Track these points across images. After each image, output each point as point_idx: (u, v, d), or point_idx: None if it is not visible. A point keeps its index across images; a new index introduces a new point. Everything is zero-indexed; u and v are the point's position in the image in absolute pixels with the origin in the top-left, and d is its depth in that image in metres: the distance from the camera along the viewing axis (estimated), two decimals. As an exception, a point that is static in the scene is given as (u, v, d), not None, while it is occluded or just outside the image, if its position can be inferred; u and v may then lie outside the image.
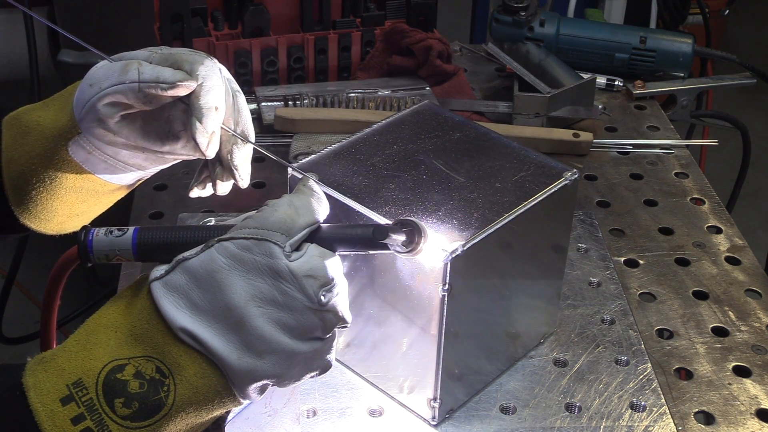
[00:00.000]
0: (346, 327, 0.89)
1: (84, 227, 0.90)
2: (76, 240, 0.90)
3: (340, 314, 0.87)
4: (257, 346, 0.84)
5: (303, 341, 0.86)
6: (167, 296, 0.84)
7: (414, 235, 0.91)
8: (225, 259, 0.84)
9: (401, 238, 0.90)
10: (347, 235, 0.90)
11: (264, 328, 0.84)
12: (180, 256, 0.86)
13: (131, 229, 0.90)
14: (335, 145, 1.17)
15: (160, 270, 0.86)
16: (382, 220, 1.03)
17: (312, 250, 0.87)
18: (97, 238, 0.89)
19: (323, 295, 0.85)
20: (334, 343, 0.89)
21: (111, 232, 0.90)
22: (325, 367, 0.89)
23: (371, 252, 0.92)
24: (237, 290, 0.84)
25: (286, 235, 0.86)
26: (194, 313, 0.83)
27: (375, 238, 0.88)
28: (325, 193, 0.93)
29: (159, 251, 0.89)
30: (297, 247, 0.87)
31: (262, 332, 0.84)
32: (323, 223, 0.90)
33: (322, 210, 0.90)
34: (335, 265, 0.87)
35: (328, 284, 0.85)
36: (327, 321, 0.86)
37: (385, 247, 0.90)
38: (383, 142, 1.18)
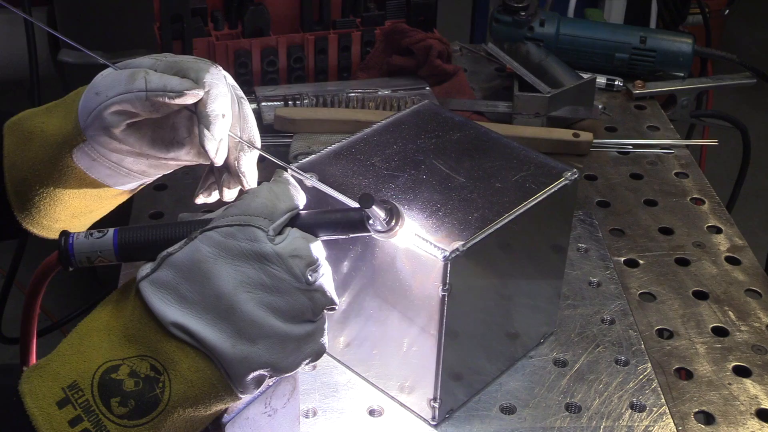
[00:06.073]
0: (334, 309, 0.89)
1: (63, 231, 0.90)
2: (57, 245, 0.90)
3: (328, 294, 0.88)
4: (250, 332, 0.84)
5: (295, 323, 0.86)
6: (156, 293, 0.84)
7: (393, 215, 0.92)
8: (210, 248, 0.85)
9: (382, 214, 0.91)
10: (327, 219, 0.91)
11: (255, 313, 0.84)
12: (164, 252, 0.86)
13: (111, 230, 0.90)
14: (335, 145, 1.18)
15: (146, 269, 0.86)
16: (355, 204, 1.04)
17: (294, 232, 0.88)
18: (77, 241, 0.89)
19: (310, 275, 0.86)
20: (326, 326, 0.90)
21: (91, 234, 0.89)
22: (319, 352, 0.89)
23: (351, 236, 0.93)
24: (224, 278, 0.84)
25: (268, 219, 0.87)
26: (184, 306, 0.84)
27: (361, 205, 0.89)
28: (320, 190, 0.94)
29: (141, 250, 0.89)
30: (279, 232, 0.87)
31: (253, 317, 0.84)
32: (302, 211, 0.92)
33: (300, 197, 0.91)
34: (318, 248, 0.88)
35: (313, 264, 0.86)
36: (316, 301, 0.87)
37: (365, 228, 0.92)
38: (383, 142, 1.19)
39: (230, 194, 1.06)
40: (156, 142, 1.02)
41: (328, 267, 0.89)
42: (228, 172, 1.04)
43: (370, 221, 0.92)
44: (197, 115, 0.98)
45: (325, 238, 0.91)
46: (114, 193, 1.07)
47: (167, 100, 0.96)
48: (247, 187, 1.05)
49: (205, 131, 0.97)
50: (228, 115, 0.99)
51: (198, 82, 0.97)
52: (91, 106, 0.98)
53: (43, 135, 1.03)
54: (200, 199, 1.08)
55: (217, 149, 0.98)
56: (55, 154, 1.02)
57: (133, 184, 1.08)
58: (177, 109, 0.99)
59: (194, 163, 1.05)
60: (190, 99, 0.96)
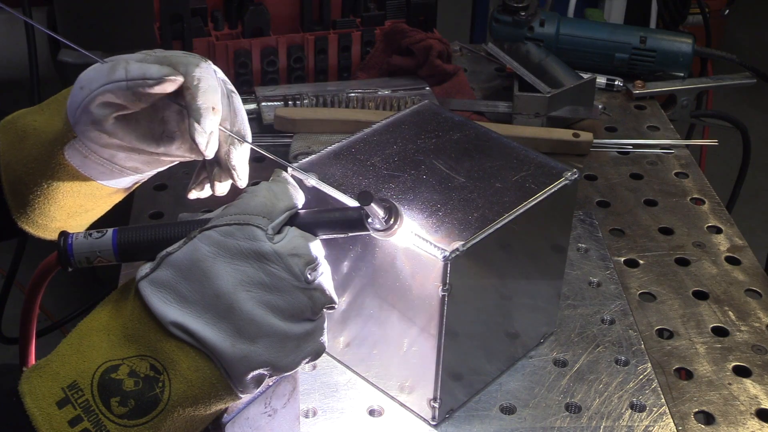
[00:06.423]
0: (334, 308, 0.90)
1: (63, 232, 0.90)
2: (56, 245, 0.89)
3: (327, 293, 0.88)
4: (249, 331, 0.84)
5: (294, 322, 0.86)
6: (155, 293, 0.84)
7: (391, 213, 0.92)
8: (209, 248, 0.85)
9: (381, 212, 0.92)
10: (326, 218, 0.91)
11: (254, 312, 0.84)
12: (163, 252, 0.86)
13: (110, 230, 0.90)
14: (335, 145, 1.18)
15: (145, 269, 0.86)
16: (355, 203, 1.04)
17: (293, 231, 0.88)
18: (76, 241, 0.89)
19: (309, 273, 0.86)
20: (325, 325, 0.90)
21: (90, 234, 0.89)
22: (318, 351, 0.89)
23: (350, 234, 0.93)
24: (224, 277, 0.84)
25: (267, 218, 0.87)
26: (183, 305, 0.84)
27: (359, 202, 0.90)
28: (321, 190, 0.94)
29: (141, 250, 0.89)
30: (278, 231, 0.87)
31: (252, 316, 0.84)
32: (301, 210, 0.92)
33: (299, 197, 0.91)
34: (317, 247, 0.88)
35: (312, 262, 0.86)
36: (315, 300, 0.87)
37: (364, 227, 0.92)
38: (383, 142, 1.19)
39: (222, 188, 1.06)
40: (146, 136, 1.02)
41: (327, 266, 0.89)
42: (219, 166, 1.04)
43: (369, 220, 0.92)
44: (187, 109, 0.98)
45: (324, 237, 0.91)
46: (109, 192, 1.07)
47: (146, 89, 0.96)
48: (237, 180, 1.05)
49: (195, 124, 0.97)
50: (218, 109, 0.99)
51: (187, 76, 0.97)
52: (77, 100, 0.98)
53: (36, 133, 1.03)
54: (193, 194, 1.08)
55: (207, 142, 0.98)
56: (47, 152, 1.02)
57: (127, 182, 1.07)
58: (166, 103, 0.99)
59: (186, 158, 1.05)
60: (169, 86, 0.96)
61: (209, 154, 0.99)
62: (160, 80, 0.95)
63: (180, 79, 0.96)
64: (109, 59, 0.99)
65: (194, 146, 0.98)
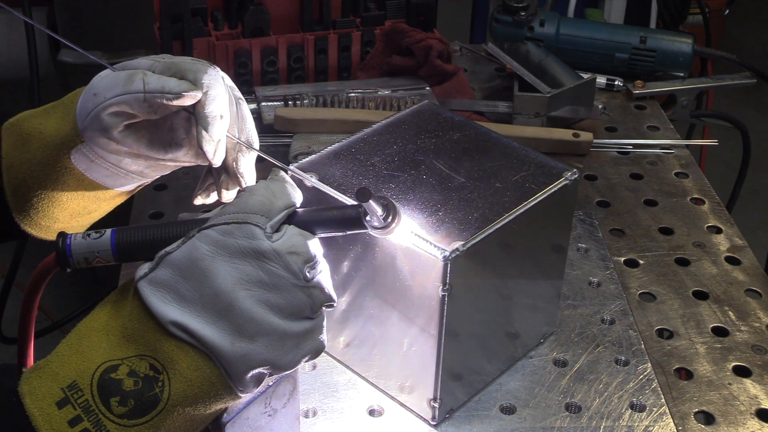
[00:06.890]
0: (333, 306, 0.89)
1: (61, 233, 0.90)
2: (54, 246, 0.89)
3: (326, 291, 0.88)
4: (249, 329, 0.84)
5: (293, 320, 0.86)
6: (154, 293, 0.84)
7: (389, 211, 0.93)
8: (208, 247, 0.85)
9: (379, 210, 0.92)
10: (324, 216, 0.91)
11: (254, 310, 0.84)
12: (162, 252, 0.86)
13: (109, 230, 0.90)
14: (335, 145, 1.18)
15: (144, 269, 0.86)
16: (352, 202, 1.04)
17: (291, 230, 0.88)
18: (75, 242, 0.89)
19: (308, 272, 0.86)
20: (324, 323, 0.90)
21: (88, 235, 0.89)
22: (318, 349, 0.89)
23: (348, 232, 0.93)
24: (222, 275, 0.84)
25: (266, 216, 0.87)
26: (182, 304, 0.84)
27: (358, 199, 0.90)
28: (320, 190, 0.94)
29: (139, 250, 0.89)
30: (277, 229, 0.87)
31: (251, 314, 0.84)
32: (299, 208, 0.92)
33: (297, 195, 0.91)
34: (316, 245, 0.88)
35: (311, 260, 0.86)
36: (314, 298, 0.87)
37: (362, 225, 0.92)
38: (383, 142, 1.19)
39: (229, 195, 1.06)
40: (154, 144, 1.02)
41: (326, 264, 0.89)
42: (226, 173, 1.05)
43: (367, 218, 0.92)
44: (195, 117, 0.98)
45: (323, 235, 0.91)
46: (112, 194, 1.07)
47: (165, 102, 0.96)
48: (245, 187, 1.04)
49: (203, 132, 0.97)
50: (226, 116, 0.99)
51: (196, 83, 0.97)
52: (89, 107, 0.98)
53: (42, 136, 1.03)
54: (198, 200, 1.08)
55: (215, 150, 0.98)
56: (53, 156, 1.02)
57: (132, 185, 1.08)
58: (175, 111, 0.99)
59: (192, 164, 1.05)
60: (188, 100, 0.97)
61: (217, 162, 0.99)
62: (179, 95, 0.96)
63: (198, 95, 0.96)
64: (120, 65, 1.00)
65: (202, 153, 0.98)
